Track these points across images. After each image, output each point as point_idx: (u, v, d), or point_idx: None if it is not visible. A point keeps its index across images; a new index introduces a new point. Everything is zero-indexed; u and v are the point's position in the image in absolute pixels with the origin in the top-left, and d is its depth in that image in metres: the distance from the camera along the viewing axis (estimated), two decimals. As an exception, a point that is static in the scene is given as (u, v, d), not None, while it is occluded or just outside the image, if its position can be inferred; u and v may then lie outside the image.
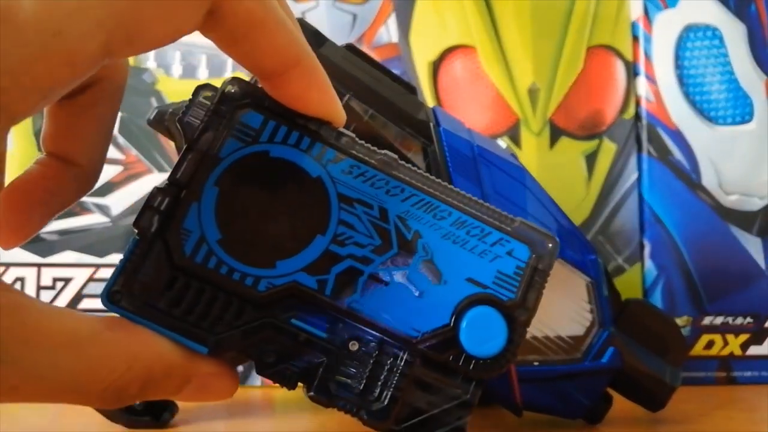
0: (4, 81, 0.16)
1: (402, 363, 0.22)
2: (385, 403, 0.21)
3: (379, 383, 0.21)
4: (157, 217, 0.21)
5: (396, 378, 0.21)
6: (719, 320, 0.52)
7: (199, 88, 0.23)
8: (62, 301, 0.51)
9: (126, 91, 0.24)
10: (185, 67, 0.53)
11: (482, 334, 0.22)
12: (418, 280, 0.22)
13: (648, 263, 0.53)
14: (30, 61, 0.16)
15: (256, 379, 0.51)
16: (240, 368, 0.45)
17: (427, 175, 0.23)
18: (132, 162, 0.52)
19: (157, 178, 0.51)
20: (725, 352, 0.53)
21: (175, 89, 0.52)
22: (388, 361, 0.22)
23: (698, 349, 0.52)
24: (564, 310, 0.36)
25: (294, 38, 0.21)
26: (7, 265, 0.50)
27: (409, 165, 0.23)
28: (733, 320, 0.52)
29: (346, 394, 0.21)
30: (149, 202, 0.21)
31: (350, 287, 0.22)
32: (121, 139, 0.52)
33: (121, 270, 0.20)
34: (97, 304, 0.50)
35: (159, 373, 0.20)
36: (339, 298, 0.21)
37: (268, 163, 0.22)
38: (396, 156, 0.23)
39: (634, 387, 0.37)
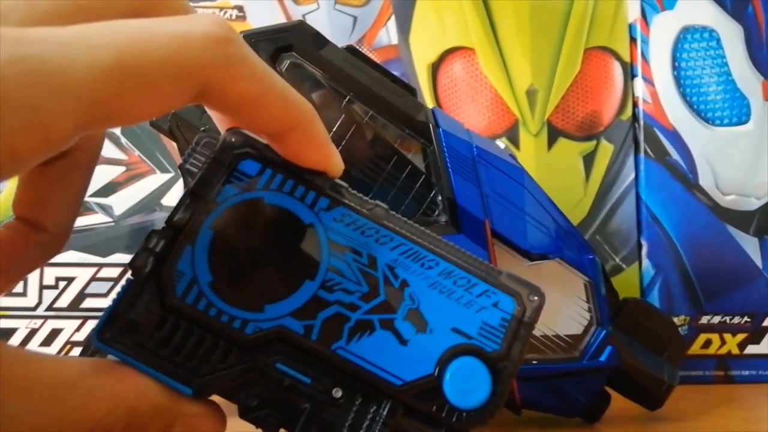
0: None
1: (385, 412, 0.21)
2: None
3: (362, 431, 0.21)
4: (152, 258, 0.21)
5: (378, 427, 0.21)
6: (717, 319, 0.53)
7: (201, 137, 0.23)
8: (65, 301, 0.51)
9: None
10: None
11: (466, 386, 0.22)
12: (403, 329, 0.22)
13: (645, 263, 0.53)
14: (8, 134, 0.17)
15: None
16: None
17: (417, 225, 0.23)
18: (134, 162, 0.52)
19: (160, 179, 0.52)
20: (723, 351, 0.53)
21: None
22: (371, 410, 0.21)
23: (696, 348, 0.53)
24: (562, 309, 0.36)
25: (291, 106, 0.21)
26: (10, 265, 0.50)
27: (399, 216, 0.23)
28: (731, 319, 0.53)
29: None
30: (146, 244, 0.21)
31: (336, 333, 0.22)
32: (123, 140, 0.52)
33: (112, 310, 0.21)
34: (98, 302, 0.51)
35: (144, 414, 0.20)
36: (324, 344, 0.21)
37: (262, 209, 0.22)
38: (386, 207, 0.23)
39: (632, 385, 0.38)
